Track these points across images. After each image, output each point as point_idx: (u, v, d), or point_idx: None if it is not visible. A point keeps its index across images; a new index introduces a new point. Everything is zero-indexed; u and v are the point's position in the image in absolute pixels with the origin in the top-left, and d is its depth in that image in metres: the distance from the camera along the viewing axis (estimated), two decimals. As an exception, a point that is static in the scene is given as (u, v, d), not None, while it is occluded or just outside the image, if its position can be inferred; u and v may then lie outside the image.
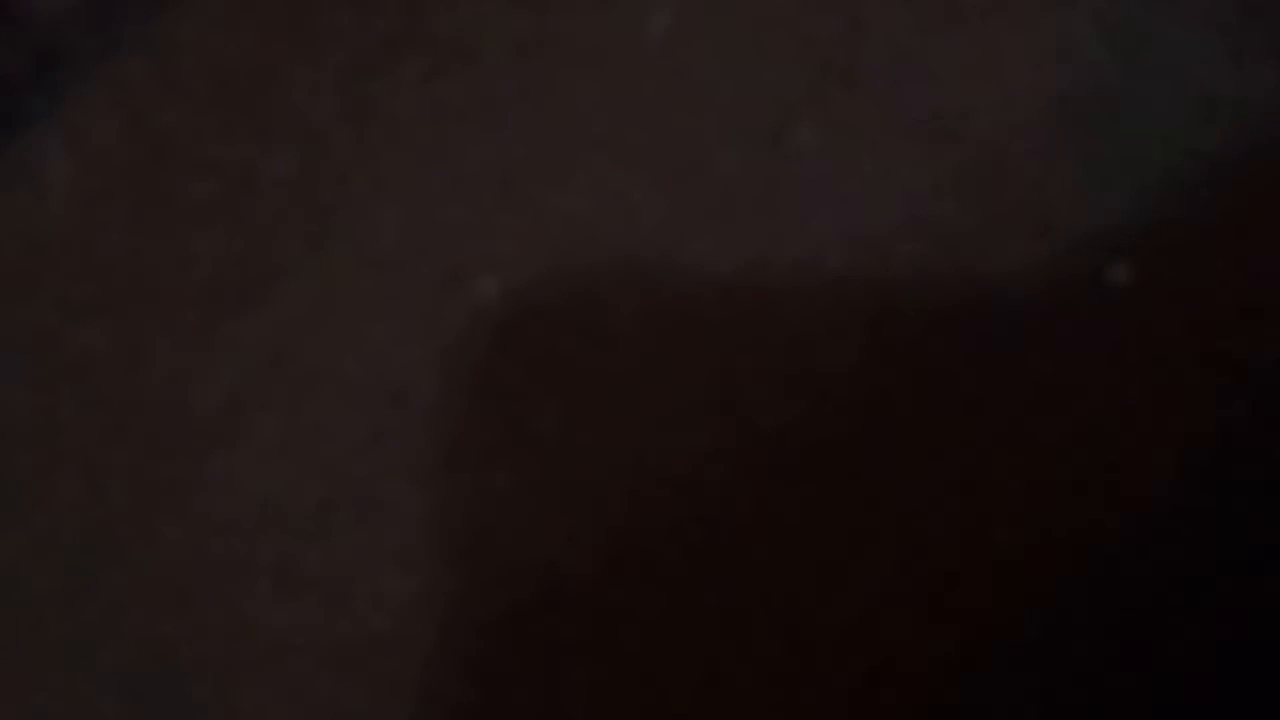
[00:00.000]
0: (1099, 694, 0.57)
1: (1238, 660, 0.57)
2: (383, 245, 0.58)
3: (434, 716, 0.57)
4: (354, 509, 0.57)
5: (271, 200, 0.58)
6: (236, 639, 0.57)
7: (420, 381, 0.58)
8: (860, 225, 0.59)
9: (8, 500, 0.57)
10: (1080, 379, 0.59)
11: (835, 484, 0.58)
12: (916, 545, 0.58)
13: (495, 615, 0.57)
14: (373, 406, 0.58)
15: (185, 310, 0.58)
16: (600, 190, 0.59)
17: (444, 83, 0.59)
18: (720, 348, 0.59)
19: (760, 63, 0.60)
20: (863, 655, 0.57)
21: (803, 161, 0.59)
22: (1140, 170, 0.59)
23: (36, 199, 0.58)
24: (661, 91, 0.60)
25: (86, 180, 0.58)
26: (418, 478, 0.57)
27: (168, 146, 0.58)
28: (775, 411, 0.58)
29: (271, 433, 0.58)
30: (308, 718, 0.56)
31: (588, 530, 0.58)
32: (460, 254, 0.58)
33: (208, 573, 0.57)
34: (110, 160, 0.58)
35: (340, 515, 0.57)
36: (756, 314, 0.59)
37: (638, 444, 0.58)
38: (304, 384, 0.58)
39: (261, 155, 0.58)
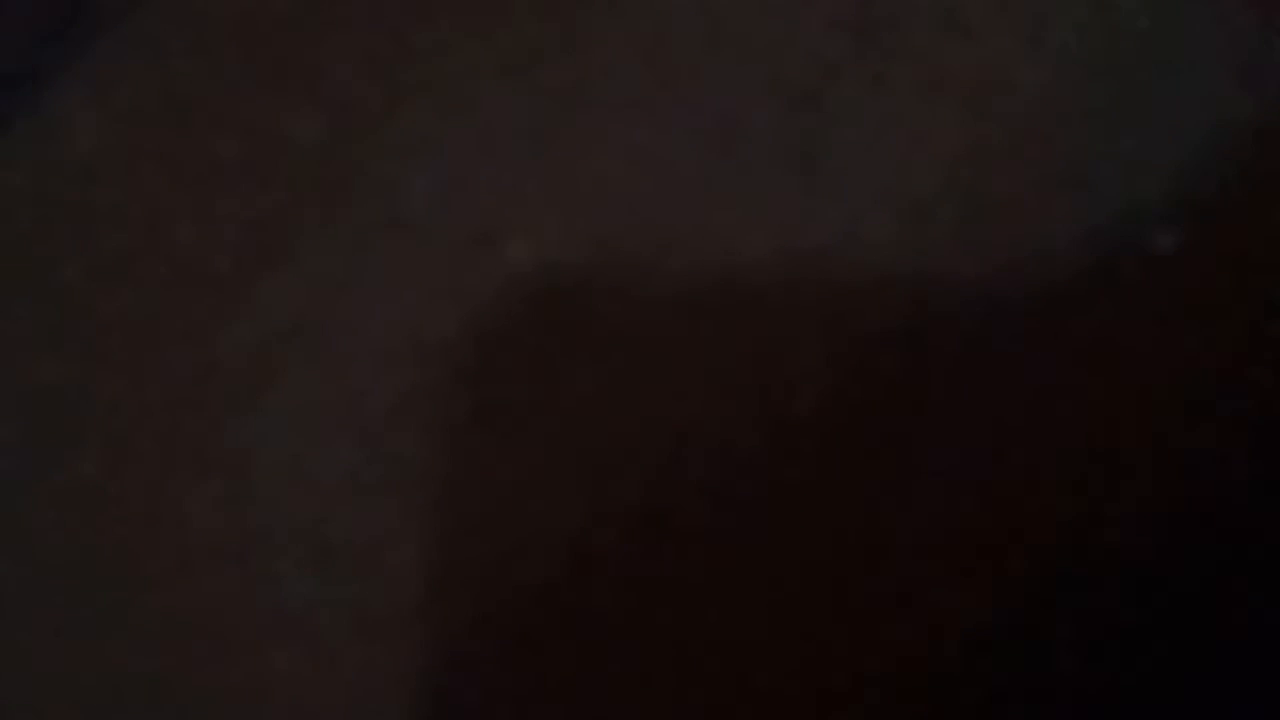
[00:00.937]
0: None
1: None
2: (412, 207, 0.57)
3: (464, 686, 0.56)
4: (384, 475, 0.57)
5: (300, 160, 0.57)
6: (265, 608, 0.56)
7: (451, 346, 0.57)
8: (901, 190, 0.58)
9: (31, 466, 0.56)
10: (1122, 347, 0.58)
11: (873, 456, 0.57)
12: (957, 516, 0.57)
13: (527, 583, 0.56)
14: (403, 372, 0.57)
15: (213, 272, 0.57)
16: (634, 152, 0.58)
17: (475, 43, 0.58)
18: (756, 315, 0.58)
19: (800, 21, 0.58)
20: (903, 624, 0.57)
21: (842, 123, 0.58)
22: (1186, 136, 0.58)
23: (63, 159, 0.57)
24: (697, 50, 0.58)
25: (114, 140, 0.57)
26: (449, 444, 0.57)
27: (196, 106, 0.57)
28: (812, 380, 0.58)
29: (300, 397, 0.57)
30: (337, 687, 0.56)
31: (620, 499, 0.57)
32: (491, 217, 0.57)
33: (235, 540, 0.56)
34: (138, 120, 0.57)
35: (370, 481, 0.57)
36: (793, 280, 0.58)
37: (672, 411, 0.57)
38: (333, 347, 0.57)
39: (290, 115, 0.57)
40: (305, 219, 0.57)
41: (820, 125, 0.58)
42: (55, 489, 0.56)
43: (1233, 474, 0.57)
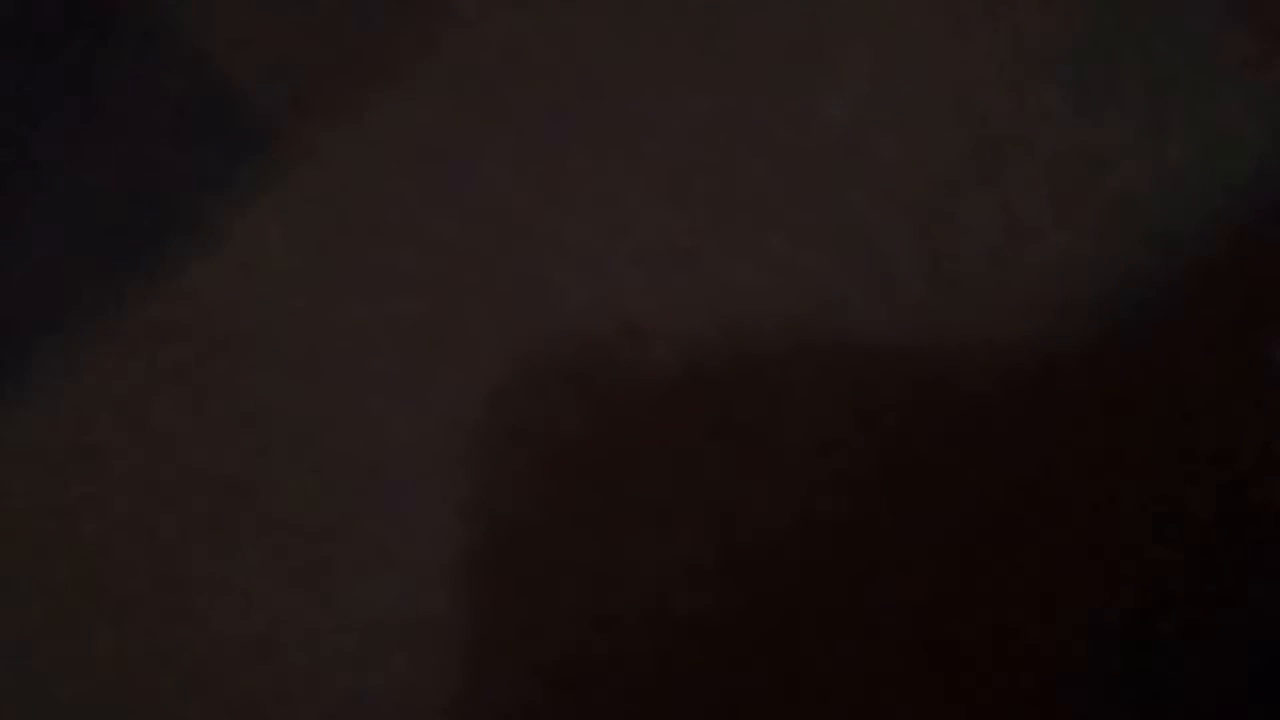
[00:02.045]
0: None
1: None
2: (567, 307, 0.61)
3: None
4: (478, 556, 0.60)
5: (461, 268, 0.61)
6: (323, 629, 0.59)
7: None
8: (1031, 296, 0.60)
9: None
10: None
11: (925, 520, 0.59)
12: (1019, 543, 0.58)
13: (605, 647, 0.58)
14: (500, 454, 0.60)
15: (379, 370, 0.61)
16: (769, 259, 0.61)
17: (625, 159, 0.62)
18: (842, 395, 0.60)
19: (927, 132, 0.61)
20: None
21: (968, 238, 0.60)
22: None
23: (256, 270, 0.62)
24: (828, 166, 0.61)
25: (297, 247, 0.62)
26: (542, 530, 0.60)
27: (367, 218, 0.62)
28: (905, 437, 0.59)
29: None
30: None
31: (696, 561, 0.59)
32: (631, 313, 0.60)
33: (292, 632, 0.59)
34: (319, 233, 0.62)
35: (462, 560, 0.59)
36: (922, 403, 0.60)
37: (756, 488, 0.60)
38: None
39: (453, 224, 0.61)
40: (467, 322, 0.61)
41: (946, 237, 0.60)
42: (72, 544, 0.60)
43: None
